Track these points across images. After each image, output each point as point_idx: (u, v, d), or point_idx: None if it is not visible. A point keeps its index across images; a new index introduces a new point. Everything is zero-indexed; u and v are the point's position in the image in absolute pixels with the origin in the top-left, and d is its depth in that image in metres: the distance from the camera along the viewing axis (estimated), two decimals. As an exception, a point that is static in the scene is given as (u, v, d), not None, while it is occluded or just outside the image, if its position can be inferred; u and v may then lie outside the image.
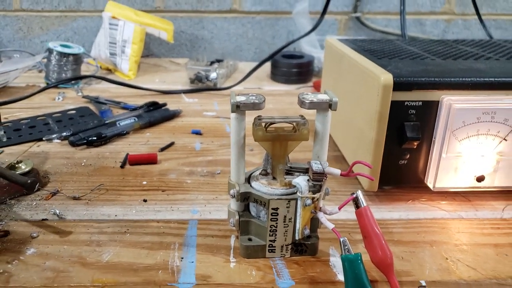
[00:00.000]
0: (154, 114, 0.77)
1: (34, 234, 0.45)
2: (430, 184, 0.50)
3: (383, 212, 0.51)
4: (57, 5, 1.15)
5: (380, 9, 1.17)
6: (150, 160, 0.62)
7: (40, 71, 1.06)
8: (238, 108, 0.39)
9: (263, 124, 0.41)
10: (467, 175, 0.49)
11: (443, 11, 1.17)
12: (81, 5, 1.15)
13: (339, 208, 0.40)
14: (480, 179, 0.49)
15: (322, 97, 0.40)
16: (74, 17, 1.17)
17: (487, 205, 0.52)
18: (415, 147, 0.49)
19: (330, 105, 0.39)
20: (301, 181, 0.39)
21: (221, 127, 0.75)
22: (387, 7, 1.17)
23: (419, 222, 0.49)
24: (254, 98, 0.40)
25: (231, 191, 0.41)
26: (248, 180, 0.43)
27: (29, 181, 0.45)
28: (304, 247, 0.42)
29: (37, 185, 0.46)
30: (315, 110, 0.40)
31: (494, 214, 0.51)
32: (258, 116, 0.41)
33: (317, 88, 0.96)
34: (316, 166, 0.39)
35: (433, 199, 0.53)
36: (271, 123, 0.41)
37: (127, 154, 0.63)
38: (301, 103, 0.40)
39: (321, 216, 0.40)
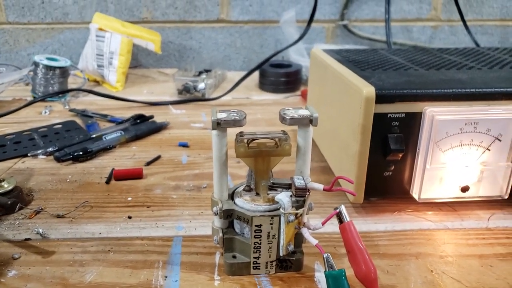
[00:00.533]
0: (141, 127, 0.77)
1: (16, 255, 0.45)
2: (415, 195, 0.50)
3: (369, 224, 0.51)
4: (44, 18, 1.14)
5: (367, 16, 1.17)
6: (136, 175, 0.61)
7: (27, 84, 1.06)
8: (219, 125, 0.39)
9: (245, 140, 0.41)
10: (452, 186, 0.49)
11: (429, 18, 1.18)
12: (68, 17, 1.15)
13: (323, 224, 0.40)
14: (464, 189, 0.49)
15: (303, 112, 0.40)
16: (61, 29, 1.16)
17: (473, 215, 0.52)
18: (399, 158, 0.49)
19: (311, 121, 0.39)
20: (283, 197, 0.39)
21: (209, 139, 0.75)
22: (374, 14, 1.17)
23: (405, 233, 0.49)
24: (235, 114, 0.40)
25: (214, 209, 0.41)
26: (232, 196, 0.43)
27: (9, 202, 0.44)
28: (289, 263, 0.42)
29: (17, 206, 0.45)
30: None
31: (479, 223, 0.51)
32: (240, 132, 0.41)
33: (304, 96, 0.96)
34: (298, 182, 0.39)
35: (419, 210, 0.53)
36: (253, 139, 0.41)
37: (113, 169, 0.62)
38: (282, 119, 0.40)
39: (305, 231, 0.40)
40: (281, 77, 1.00)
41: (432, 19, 1.18)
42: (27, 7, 1.13)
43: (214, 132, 0.39)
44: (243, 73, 0.99)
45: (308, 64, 1.04)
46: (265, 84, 1.02)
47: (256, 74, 1.02)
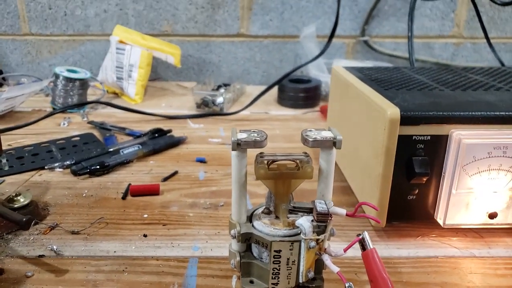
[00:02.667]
0: (159, 141, 0.76)
1: (29, 273, 0.44)
2: (440, 221, 0.49)
3: (391, 249, 0.49)
4: (66, 29, 1.16)
5: (388, 32, 1.16)
6: (152, 191, 0.60)
7: (47, 95, 1.06)
8: (239, 146, 0.38)
9: (266, 162, 0.39)
10: (479, 212, 0.47)
11: (451, 35, 1.16)
12: (89, 29, 1.16)
13: (345, 250, 0.38)
14: (492, 215, 0.47)
15: (326, 134, 0.39)
16: (83, 41, 1.17)
17: (501, 242, 0.50)
18: (424, 182, 0.47)
19: (334, 143, 0.38)
20: (304, 222, 0.37)
21: (226, 155, 0.74)
22: (395, 30, 1.16)
23: (428, 260, 0.47)
24: (255, 135, 0.38)
25: (232, 232, 0.40)
26: (250, 218, 0.42)
27: (24, 219, 0.43)
28: (308, 290, 0.41)
29: (32, 222, 0.45)
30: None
31: (508, 252, 0.48)
32: (260, 153, 0.40)
33: (324, 112, 0.95)
34: (320, 206, 0.38)
35: (443, 235, 0.51)
36: (274, 161, 0.40)
37: (129, 185, 0.62)
38: (304, 141, 0.38)
39: (326, 258, 0.38)
40: (300, 92, 0.99)
41: (455, 36, 1.16)
42: (50, 19, 1.14)
43: (234, 153, 0.38)
44: (262, 88, 0.98)
45: (328, 79, 1.03)
46: (284, 99, 1.01)
47: (275, 89, 1.01)
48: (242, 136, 0.38)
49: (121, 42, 1.04)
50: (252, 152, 0.39)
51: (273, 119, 0.93)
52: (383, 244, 0.50)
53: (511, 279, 0.44)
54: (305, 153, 0.40)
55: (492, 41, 1.02)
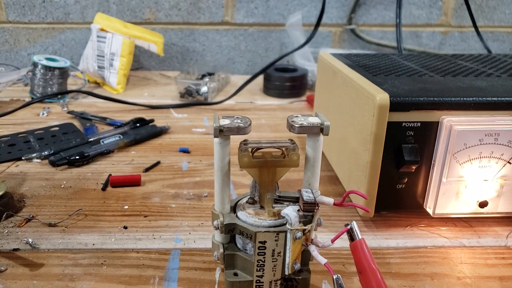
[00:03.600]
0: (141, 131, 0.74)
1: (2, 268, 0.42)
2: (429, 210, 0.47)
3: (380, 240, 0.48)
4: (45, 17, 1.12)
5: (375, 21, 1.15)
6: (133, 182, 0.58)
7: (25, 85, 1.03)
8: (222, 132, 0.36)
9: (250, 149, 0.38)
10: (469, 201, 0.46)
11: (439, 23, 1.15)
12: (69, 17, 1.12)
13: (332, 241, 0.36)
14: (483, 204, 0.46)
15: (313, 120, 0.37)
16: (62, 29, 1.14)
17: (490, 231, 0.49)
18: (413, 170, 0.46)
19: (321, 129, 0.36)
20: (290, 212, 0.36)
21: (210, 145, 0.72)
22: (383, 19, 1.14)
23: (418, 251, 0.46)
24: (239, 121, 0.37)
25: (215, 222, 0.38)
26: (234, 209, 0.40)
27: (-5, 211, 0.41)
28: (295, 282, 0.39)
29: (4, 215, 0.42)
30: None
31: (498, 241, 0.47)
32: (244, 141, 0.38)
33: (310, 102, 0.93)
34: (307, 196, 0.36)
35: (432, 225, 0.50)
36: (258, 148, 0.38)
37: (109, 176, 0.59)
38: (290, 127, 0.37)
39: (313, 249, 0.37)
40: (286, 81, 0.97)
41: (442, 25, 1.15)
42: (28, 6, 1.10)
43: (216, 140, 0.36)
44: (247, 77, 0.96)
45: (314, 68, 1.01)
46: (269, 89, 0.99)
47: (260, 78, 0.99)
48: (224, 122, 0.36)
49: (102, 30, 1.00)
50: (236, 141, 0.38)
51: (258, 109, 0.91)
52: (371, 234, 0.49)
53: (501, 268, 0.43)
54: (291, 140, 0.38)
55: (479, 29, 1.01)
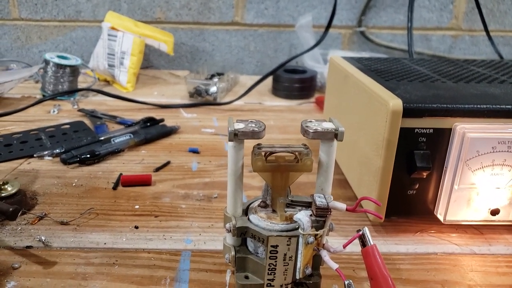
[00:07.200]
0: (151, 131, 0.74)
1: (16, 265, 0.42)
2: (440, 216, 0.47)
3: (390, 245, 0.48)
4: (56, 15, 1.13)
5: (385, 23, 1.14)
6: (144, 181, 0.59)
7: (36, 82, 1.04)
8: (236, 136, 0.36)
9: (263, 154, 0.38)
10: (481, 208, 0.46)
11: (449, 27, 1.14)
12: (81, 15, 1.13)
13: (344, 247, 0.37)
14: (494, 212, 0.46)
15: (327, 125, 0.37)
16: (73, 27, 1.14)
17: (501, 239, 0.49)
18: (424, 177, 0.46)
19: (336, 135, 0.36)
20: (303, 217, 0.36)
21: (220, 145, 0.72)
22: (393, 21, 1.14)
23: (428, 257, 0.46)
24: (253, 125, 0.37)
25: (227, 225, 0.38)
26: (246, 211, 0.40)
27: (10, 209, 0.41)
28: (305, 287, 0.39)
29: (19, 213, 0.43)
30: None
31: (509, 249, 0.47)
32: (258, 145, 0.38)
33: (319, 104, 0.93)
34: (319, 201, 0.36)
35: (442, 231, 0.50)
36: (272, 153, 0.38)
37: (120, 175, 0.60)
38: (304, 132, 0.37)
39: (325, 254, 0.37)
40: (295, 83, 0.98)
41: (453, 28, 1.15)
42: (40, 3, 1.11)
43: (231, 143, 0.37)
44: (256, 78, 0.97)
45: (323, 70, 1.01)
46: (278, 90, 1.00)
47: (269, 79, 0.99)
48: (239, 126, 0.37)
49: (113, 28, 1.01)
50: (248, 144, 0.38)
51: (267, 110, 0.91)
52: (381, 239, 0.49)
53: (512, 277, 0.43)
54: (305, 145, 0.39)
55: (491, 33, 1.01)
